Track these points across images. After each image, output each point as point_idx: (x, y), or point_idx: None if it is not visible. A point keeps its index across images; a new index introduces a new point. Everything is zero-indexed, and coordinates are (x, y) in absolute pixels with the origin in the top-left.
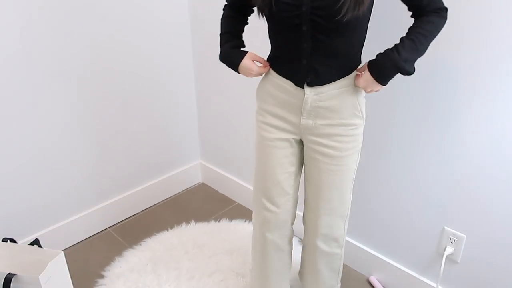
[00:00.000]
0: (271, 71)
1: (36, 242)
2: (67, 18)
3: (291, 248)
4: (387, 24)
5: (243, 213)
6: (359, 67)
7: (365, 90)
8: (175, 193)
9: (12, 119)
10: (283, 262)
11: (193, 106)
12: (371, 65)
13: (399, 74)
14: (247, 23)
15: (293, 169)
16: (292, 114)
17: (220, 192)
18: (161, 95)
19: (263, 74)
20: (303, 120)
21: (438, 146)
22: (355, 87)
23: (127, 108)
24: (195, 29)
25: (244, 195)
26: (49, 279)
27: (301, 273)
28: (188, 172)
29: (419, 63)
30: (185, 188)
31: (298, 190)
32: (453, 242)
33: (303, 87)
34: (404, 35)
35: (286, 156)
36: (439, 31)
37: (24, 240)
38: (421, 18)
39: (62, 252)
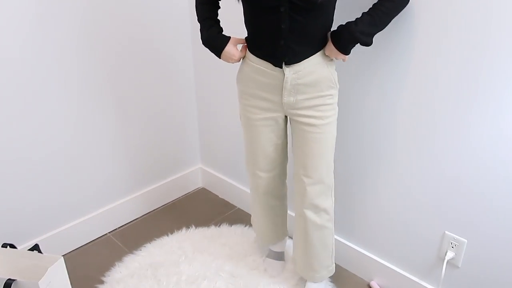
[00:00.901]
0: (250, 55)
1: (36, 248)
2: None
3: (284, 202)
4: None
5: (243, 218)
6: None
7: (332, 57)
8: (175, 198)
9: (11, 119)
10: (278, 212)
11: (194, 110)
12: (333, 35)
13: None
14: (220, 7)
15: (280, 141)
16: (273, 94)
17: (220, 196)
18: (162, 99)
19: (241, 60)
20: (284, 98)
21: (439, 149)
22: (327, 61)
23: (127, 113)
24: (196, 36)
25: (245, 200)
26: (48, 284)
27: (294, 256)
28: (188, 176)
29: (423, 61)
30: (185, 193)
31: (287, 161)
32: (454, 246)
33: (281, 67)
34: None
35: (272, 131)
36: (399, 10)
37: (24, 246)
38: None
39: (62, 257)
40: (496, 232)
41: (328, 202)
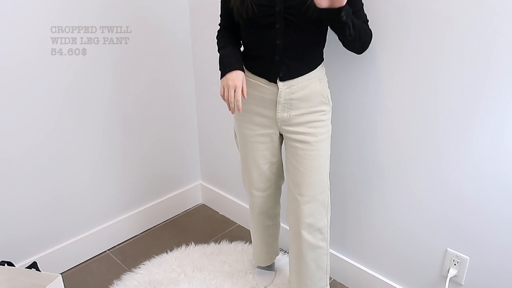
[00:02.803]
0: (246, 71)
1: (34, 266)
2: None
3: (277, 220)
4: None
5: (244, 235)
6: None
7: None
8: (175, 215)
9: (12, 139)
10: (271, 232)
11: (194, 127)
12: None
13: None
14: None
15: (275, 159)
16: (268, 109)
17: (220, 213)
18: (162, 115)
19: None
20: (278, 113)
21: (441, 164)
22: (320, 77)
23: (127, 129)
24: (196, 52)
25: (245, 217)
26: None
27: (290, 278)
28: (188, 193)
29: (424, 64)
30: (185, 210)
31: (282, 178)
32: (456, 264)
33: (276, 82)
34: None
35: (267, 149)
36: (368, 39)
37: (22, 263)
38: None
39: (60, 275)
40: (499, 249)
41: (323, 222)
